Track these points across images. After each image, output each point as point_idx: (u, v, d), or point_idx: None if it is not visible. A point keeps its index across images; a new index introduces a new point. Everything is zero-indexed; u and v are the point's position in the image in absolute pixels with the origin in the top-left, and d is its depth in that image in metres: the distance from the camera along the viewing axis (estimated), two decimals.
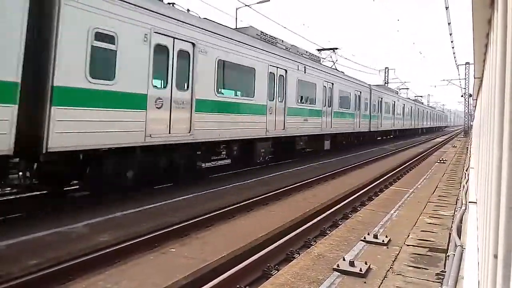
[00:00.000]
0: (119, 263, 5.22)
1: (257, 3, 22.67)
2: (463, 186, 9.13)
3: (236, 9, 23.46)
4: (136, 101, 8.22)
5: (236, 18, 23.64)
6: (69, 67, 6.86)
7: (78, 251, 5.32)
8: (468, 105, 49.97)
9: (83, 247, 5.50)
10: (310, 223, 7.26)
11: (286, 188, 10.47)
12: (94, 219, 6.86)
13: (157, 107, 8.72)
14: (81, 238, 5.95)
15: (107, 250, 5.40)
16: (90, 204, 8.02)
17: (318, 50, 23.95)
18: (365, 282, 4.25)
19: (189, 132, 9.68)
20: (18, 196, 8.67)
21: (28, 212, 7.39)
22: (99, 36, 7.39)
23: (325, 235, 6.66)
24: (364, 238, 5.78)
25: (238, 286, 4.72)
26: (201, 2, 17.23)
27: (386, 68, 52.71)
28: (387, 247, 5.47)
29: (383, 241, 5.64)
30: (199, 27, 9.99)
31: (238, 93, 12.43)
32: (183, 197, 8.96)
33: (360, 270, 4.45)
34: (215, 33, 10.63)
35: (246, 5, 22.12)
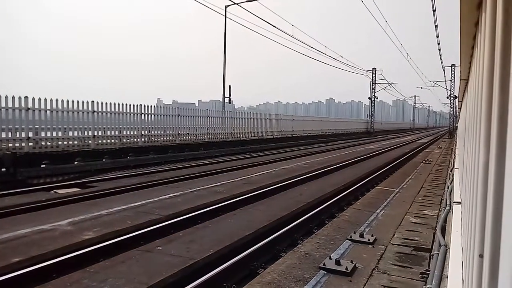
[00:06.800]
0: (104, 261, 5.15)
1: (246, 1, 22.63)
2: (448, 187, 9.26)
3: (226, 6, 23.39)
4: None
5: (225, 16, 23.56)
6: None
7: (63, 249, 5.24)
8: (454, 106, 50.79)
9: (67, 245, 5.41)
10: (297, 221, 7.28)
11: (273, 186, 10.49)
12: (78, 217, 6.76)
13: None
14: (65, 236, 5.85)
15: (92, 248, 5.32)
16: (74, 202, 7.90)
17: None
18: (350, 281, 4.28)
19: None
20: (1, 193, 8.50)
21: (11, 209, 7.24)
22: None
23: (312, 234, 6.68)
24: (350, 237, 5.81)
25: (224, 284, 4.71)
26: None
27: (373, 68, 53.23)
28: (373, 246, 5.52)
29: (369, 240, 5.69)
30: None
31: None
32: (169, 195, 8.89)
33: (346, 268, 4.48)
34: None
35: (234, 3, 22.08)
